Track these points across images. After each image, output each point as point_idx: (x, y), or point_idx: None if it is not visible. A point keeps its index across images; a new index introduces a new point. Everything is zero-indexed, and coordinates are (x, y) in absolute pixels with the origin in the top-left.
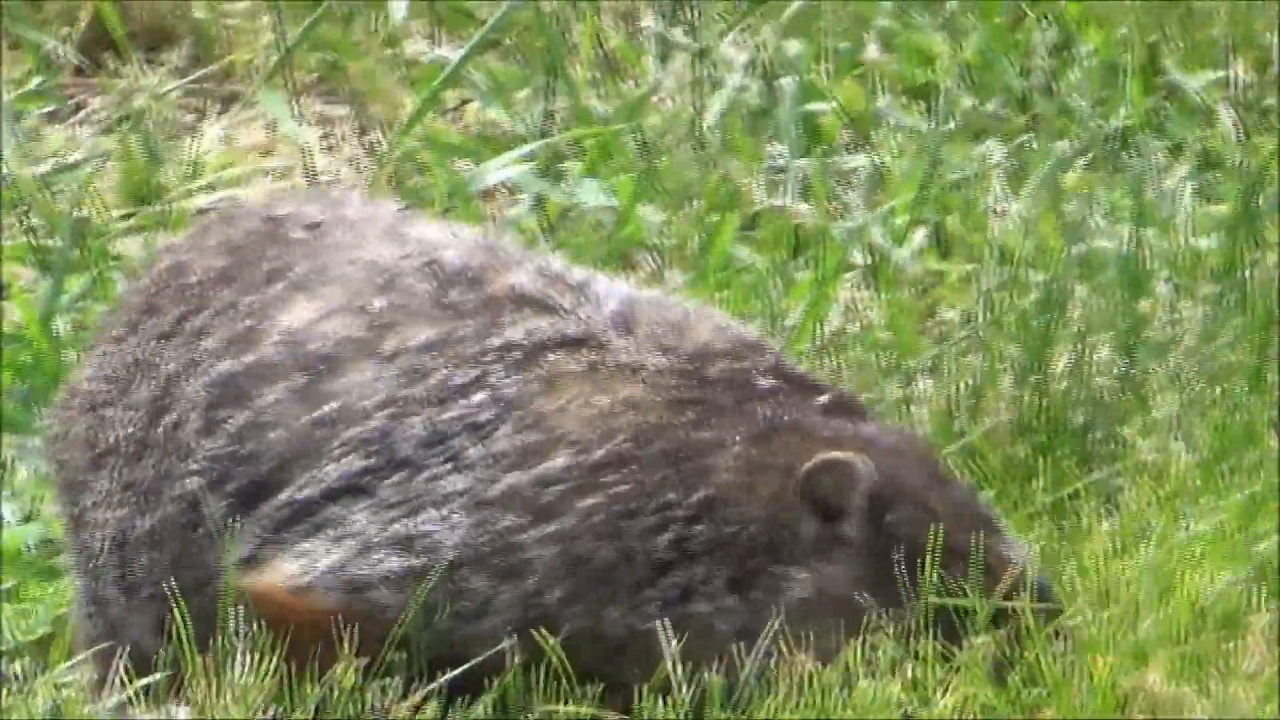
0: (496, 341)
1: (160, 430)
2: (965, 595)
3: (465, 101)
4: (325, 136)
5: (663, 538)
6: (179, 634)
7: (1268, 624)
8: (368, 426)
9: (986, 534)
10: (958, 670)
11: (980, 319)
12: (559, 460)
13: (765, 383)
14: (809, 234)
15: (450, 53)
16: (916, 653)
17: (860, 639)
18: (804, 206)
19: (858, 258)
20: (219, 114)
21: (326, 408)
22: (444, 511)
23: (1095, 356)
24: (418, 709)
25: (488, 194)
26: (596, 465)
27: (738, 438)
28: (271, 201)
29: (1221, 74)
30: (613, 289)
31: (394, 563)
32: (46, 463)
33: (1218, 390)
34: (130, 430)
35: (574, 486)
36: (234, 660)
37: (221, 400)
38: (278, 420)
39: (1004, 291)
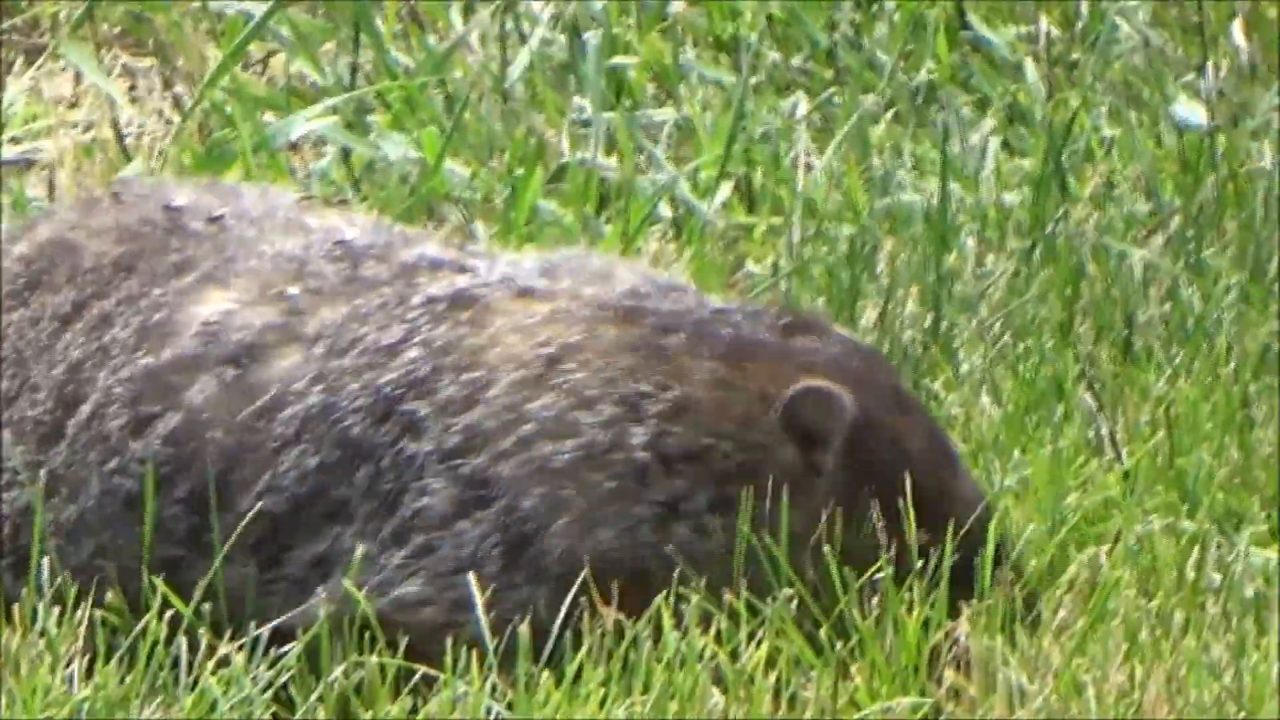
0: (418, 299)
1: (74, 421)
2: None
3: (271, 54)
4: (131, 89)
5: (636, 433)
6: None
7: (1076, 577)
8: (306, 404)
9: (950, 475)
10: (764, 623)
11: (786, 272)
12: (504, 381)
13: (712, 307)
14: (615, 188)
15: (256, 5)
16: (727, 606)
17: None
18: (610, 160)
19: (664, 211)
20: (25, 66)
21: (262, 399)
22: (422, 483)
23: (902, 310)
24: None
25: (294, 147)
26: (544, 368)
27: (705, 350)
28: (162, 188)
29: (1027, 29)
30: (529, 255)
31: (416, 586)
32: None
33: (1024, 344)
34: (35, 413)
35: (524, 397)
36: (41, 611)
37: (146, 397)
38: (214, 418)
39: (810, 245)
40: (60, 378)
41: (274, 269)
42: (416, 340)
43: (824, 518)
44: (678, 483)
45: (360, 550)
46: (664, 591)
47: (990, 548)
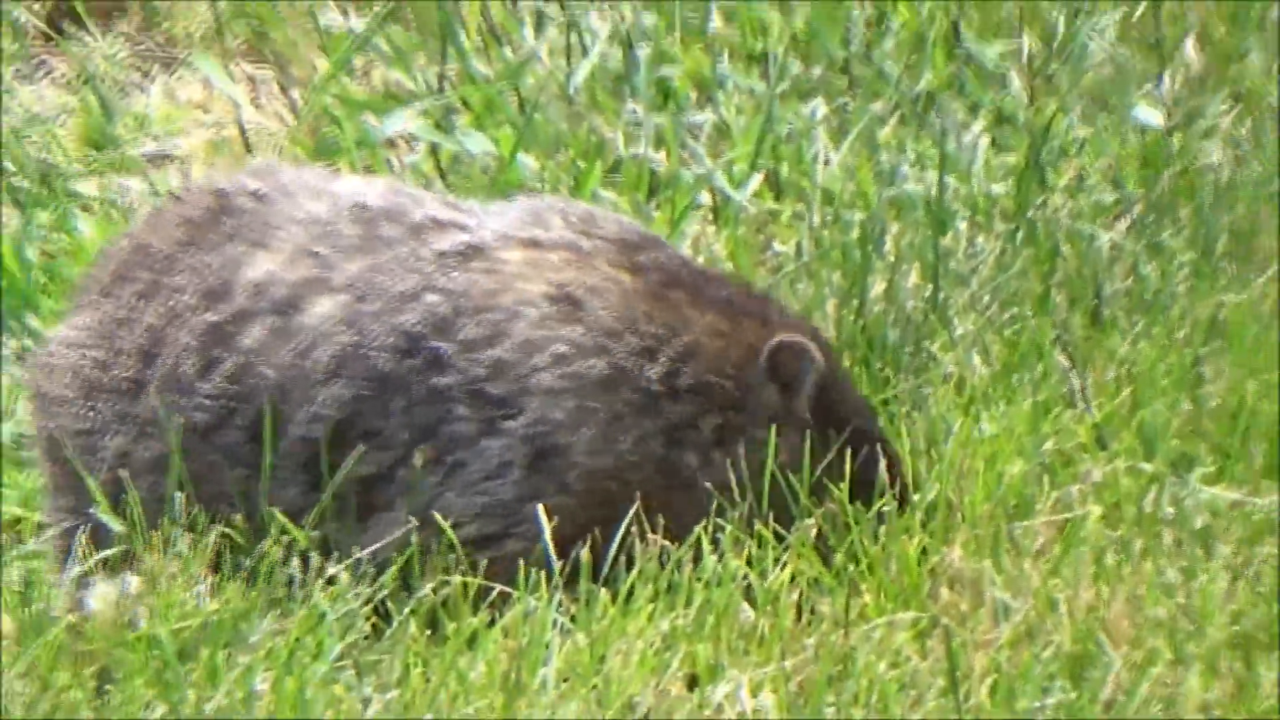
0: (428, 253)
1: (154, 372)
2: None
3: (371, 64)
4: (253, 94)
5: (652, 368)
6: (134, 520)
7: (1052, 510)
8: (339, 343)
9: (873, 417)
10: (788, 549)
11: (808, 252)
12: (527, 317)
13: (692, 269)
14: (662, 179)
15: (358, 23)
16: (756, 534)
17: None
18: (658, 155)
19: (703, 199)
20: (162, 75)
21: (300, 339)
22: (448, 409)
23: (905, 284)
24: None
25: (390, 143)
26: (567, 308)
27: (704, 308)
28: (213, 179)
29: (1012, 44)
30: (507, 205)
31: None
32: (27, 389)
33: (1009, 313)
34: (123, 373)
35: (551, 332)
36: (175, 537)
37: (210, 345)
38: (265, 358)
39: (828, 228)
40: (142, 342)
41: (304, 232)
42: (434, 286)
43: (800, 454)
44: (684, 409)
45: (413, 476)
46: (661, 504)
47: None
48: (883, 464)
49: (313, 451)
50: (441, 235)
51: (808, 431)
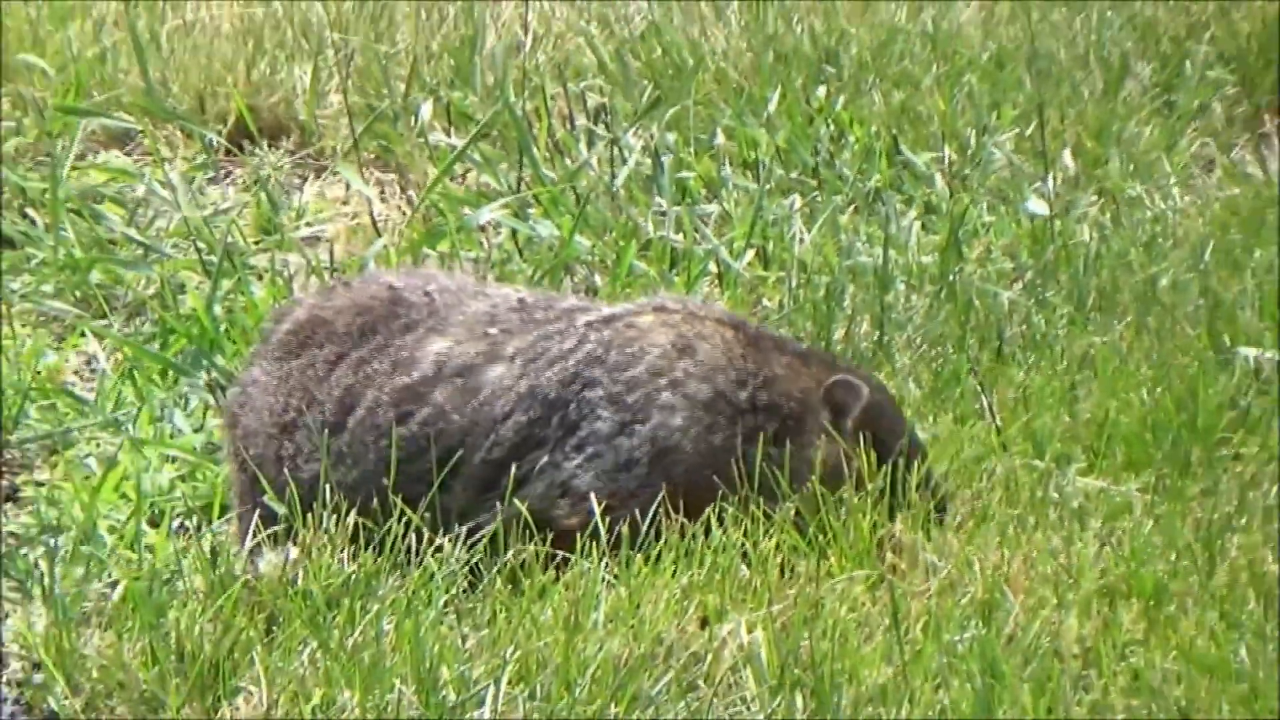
0: (581, 321)
1: (353, 419)
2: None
3: (467, 171)
4: (381, 193)
5: (742, 393)
6: (292, 507)
7: (970, 493)
8: (516, 391)
9: (907, 437)
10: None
11: (788, 306)
12: (656, 352)
13: (778, 335)
14: (681, 254)
15: (457, 140)
16: (750, 513)
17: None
18: (677, 237)
19: (711, 269)
20: (314, 179)
21: (483, 394)
22: (593, 412)
23: (859, 330)
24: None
25: (481, 229)
26: (685, 347)
27: (784, 355)
28: (376, 274)
29: (937, 154)
30: (630, 301)
31: (592, 479)
32: (224, 414)
33: (935, 350)
34: (323, 417)
35: (672, 362)
36: (325, 520)
37: (404, 401)
38: (453, 410)
39: (802, 289)
40: (339, 395)
41: (475, 320)
42: (589, 341)
43: (842, 459)
44: (758, 419)
45: (545, 460)
46: (731, 483)
47: (920, 474)
48: (918, 464)
49: (492, 472)
50: (586, 314)
51: (851, 445)
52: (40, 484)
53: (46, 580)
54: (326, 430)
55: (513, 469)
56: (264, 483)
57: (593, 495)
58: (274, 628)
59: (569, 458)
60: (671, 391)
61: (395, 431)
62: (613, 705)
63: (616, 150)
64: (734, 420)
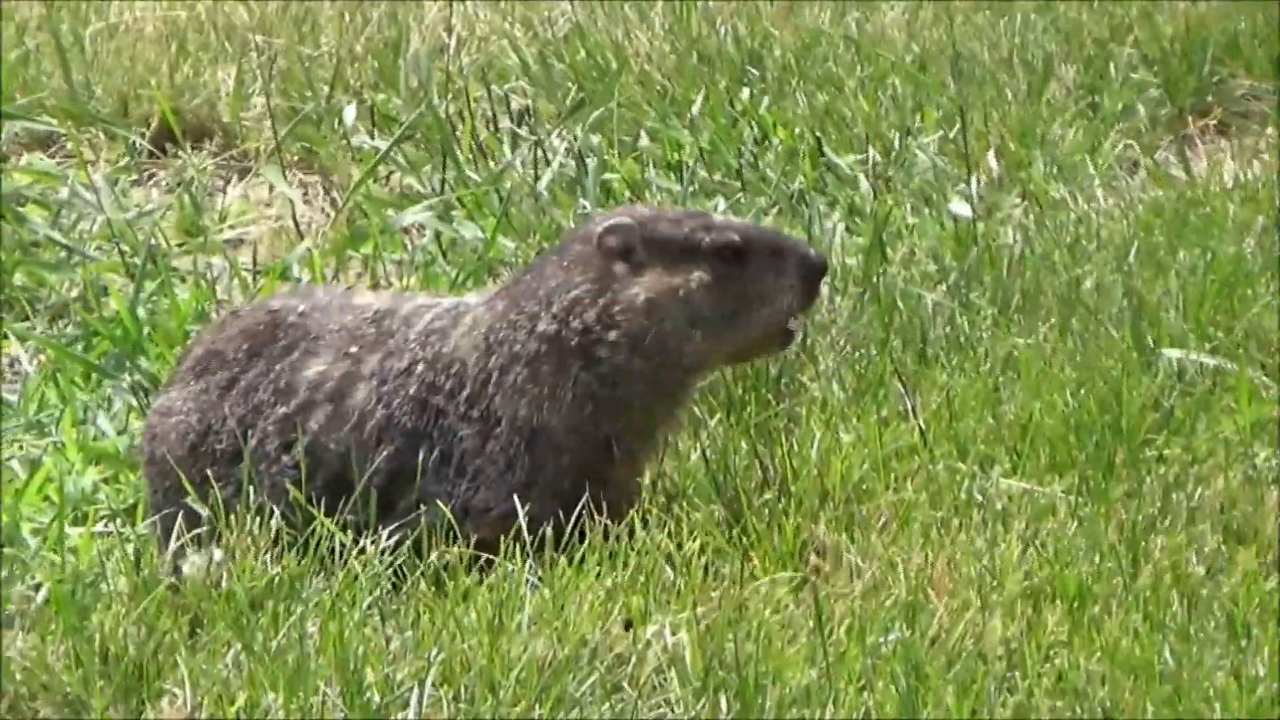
0: (411, 335)
1: (246, 450)
2: None
3: (391, 173)
4: (305, 195)
5: (551, 326)
6: (217, 513)
7: (894, 497)
8: (378, 415)
9: None
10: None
11: None
12: (471, 360)
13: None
14: None
15: (381, 143)
16: (676, 515)
17: None
18: None
19: None
20: (238, 181)
21: (352, 420)
22: (455, 435)
23: None
24: None
25: (405, 230)
26: (490, 345)
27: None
28: (262, 301)
29: (862, 156)
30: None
31: (486, 493)
32: (140, 450)
33: (860, 352)
34: (221, 446)
35: (484, 356)
36: (248, 523)
37: (286, 431)
38: (330, 436)
39: None
40: (232, 425)
41: (340, 338)
42: (419, 362)
43: None
44: (585, 342)
45: (434, 488)
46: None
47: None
48: None
49: (380, 495)
50: (419, 320)
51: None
52: None
53: None
54: (227, 456)
55: (404, 498)
56: (187, 485)
57: (494, 507)
58: (198, 630)
59: (455, 484)
60: (500, 382)
61: (282, 460)
62: (537, 707)
63: (540, 152)
64: (565, 363)
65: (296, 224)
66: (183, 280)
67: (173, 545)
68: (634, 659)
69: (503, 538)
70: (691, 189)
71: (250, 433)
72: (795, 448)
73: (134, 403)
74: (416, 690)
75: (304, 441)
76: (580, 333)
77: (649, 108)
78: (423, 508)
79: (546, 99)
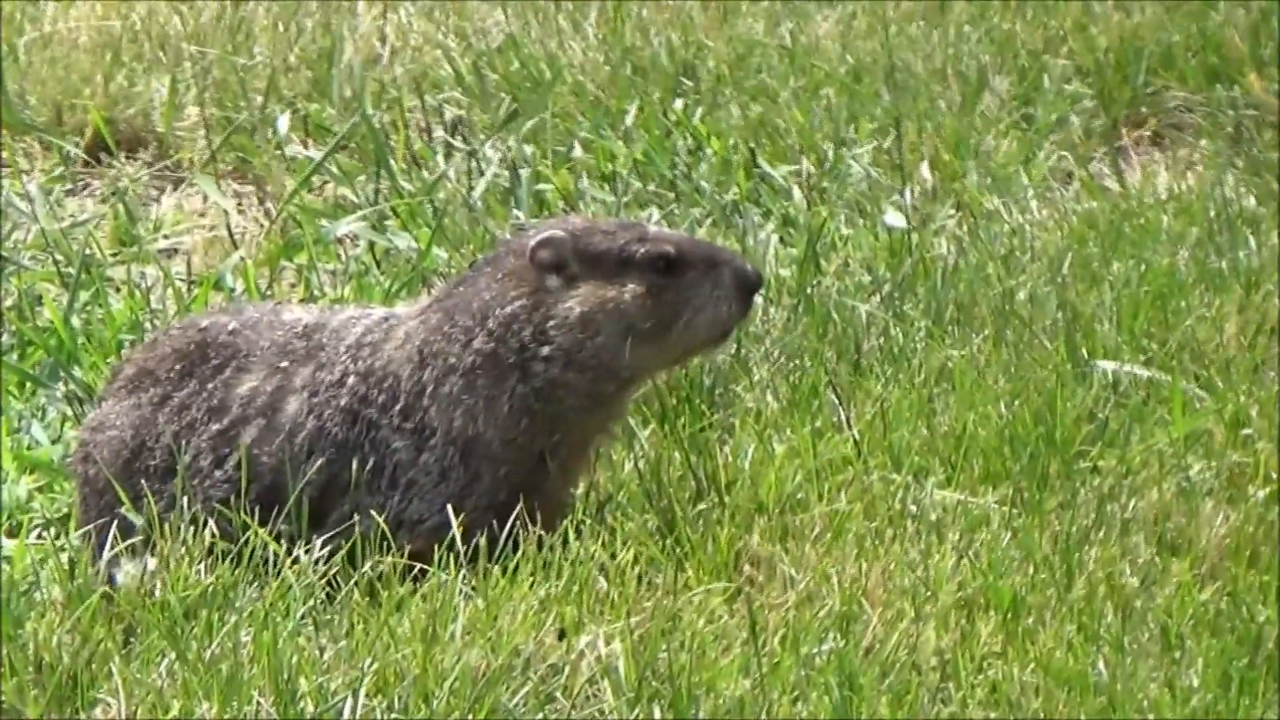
0: (342, 348)
1: (181, 464)
2: None
3: (325, 183)
4: (239, 205)
5: (487, 343)
6: (151, 521)
7: (828, 508)
8: (308, 430)
9: None
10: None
11: None
12: (404, 373)
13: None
14: None
15: (315, 153)
16: (609, 525)
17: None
18: None
19: None
20: (172, 191)
21: (284, 432)
22: (387, 447)
23: None
24: None
25: (339, 241)
26: (423, 357)
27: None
28: (193, 319)
29: (795, 167)
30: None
31: (419, 505)
32: (74, 467)
33: (793, 363)
34: (154, 462)
35: (417, 367)
36: (182, 532)
37: (220, 446)
38: (262, 449)
39: None
40: (166, 442)
41: (270, 353)
42: (350, 375)
43: None
44: (522, 355)
45: (367, 500)
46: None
47: None
48: None
49: (313, 504)
50: (349, 333)
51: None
52: None
53: None
54: (160, 472)
55: (336, 510)
56: (121, 495)
57: (428, 519)
58: (132, 639)
59: (389, 495)
60: (434, 394)
61: (214, 475)
62: (471, 717)
63: (474, 163)
64: (502, 377)
65: (231, 234)
66: (117, 290)
67: (106, 555)
68: (567, 669)
69: (436, 548)
70: (625, 200)
71: (185, 448)
72: (729, 458)
73: (68, 412)
74: (350, 700)
75: (237, 455)
76: (517, 350)
77: (583, 118)
78: (355, 518)
79: (480, 109)
